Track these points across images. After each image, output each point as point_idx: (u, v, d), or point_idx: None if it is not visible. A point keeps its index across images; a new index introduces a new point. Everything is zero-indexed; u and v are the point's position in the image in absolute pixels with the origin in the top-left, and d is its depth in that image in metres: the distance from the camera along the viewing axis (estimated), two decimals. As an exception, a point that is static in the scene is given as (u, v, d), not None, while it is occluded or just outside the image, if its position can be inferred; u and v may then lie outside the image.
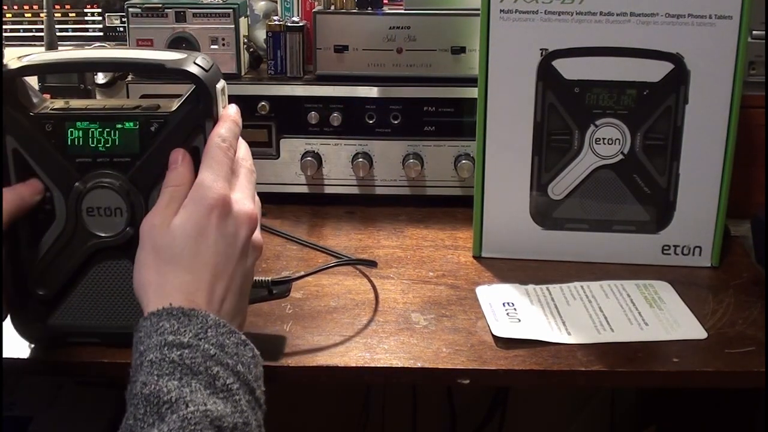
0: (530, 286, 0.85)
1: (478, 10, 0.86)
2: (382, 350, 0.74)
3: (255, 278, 0.71)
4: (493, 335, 0.76)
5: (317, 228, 1.00)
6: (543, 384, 0.82)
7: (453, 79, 1.01)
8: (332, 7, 1.01)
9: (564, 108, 0.88)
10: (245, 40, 1.05)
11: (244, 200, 0.66)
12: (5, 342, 0.71)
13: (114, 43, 1.17)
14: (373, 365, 0.72)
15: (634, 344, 0.76)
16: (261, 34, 1.07)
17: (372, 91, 1.02)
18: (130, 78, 1.03)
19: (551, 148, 0.89)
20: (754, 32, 0.96)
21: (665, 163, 0.89)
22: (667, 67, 0.86)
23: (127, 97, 1.03)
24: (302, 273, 0.78)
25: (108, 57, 0.75)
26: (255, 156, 1.02)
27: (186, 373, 0.57)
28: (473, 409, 1.47)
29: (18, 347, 0.72)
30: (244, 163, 0.69)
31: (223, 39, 1.02)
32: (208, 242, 0.63)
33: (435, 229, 1.00)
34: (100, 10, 1.18)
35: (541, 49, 0.86)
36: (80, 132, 0.69)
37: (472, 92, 0.93)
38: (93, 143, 0.69)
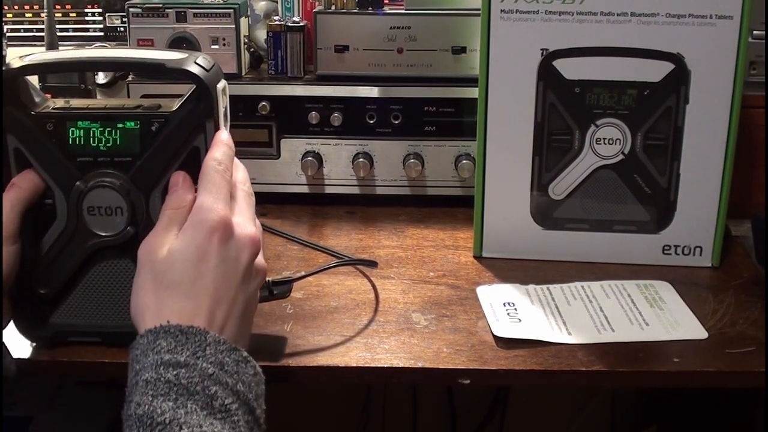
0: (531, 286, 0.85)
1: (479, 10, 0.86)
2: (382, 350, 0.74)
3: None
4: (493, 335, 0.76)
5: (318, 228, 1.00)
6: (543, 384, 0.82)
7: (453, 79, 1.01)
8: (333, 7, 1.01)
9: (564, 108, 0.88)
10: (246, 40, 1.05)
11: (246, 223, 0.65)
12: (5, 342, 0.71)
13: (114, 43, 1.17)
14: (373, 365, 0.72)
15: (634, 344, 0.76)
16: (261, 34, 1.07)
17: (372, 91, 1.02)
18: (130, 78, 1.03)
19: (552, 148, 0.89)
20: (754, 32, 0.97)
21: (666, 163, 0.89)
22: (667, 67, 0.86)
23: (128, 97, 1.03)
24: (303, 273, 0.78)
25: (109, 56, 0.75)
26: (255, 156, 1.03)
27: (182, 394, 0.56)
28: (474, 409, 1.47)
29: (19, 347, 0.72)
30: (242, 186, 0.68)
31: (224, 39, 1.02)
32: (208, 266, 0.62)
33: (435, 229, 1.00)
34: (100, 10, 1.18)
35: (541, 49, 0.86)
36: (81, 131, 0.69)
37: (473, 92, 0.93)
38: (94, 142, 0.69)
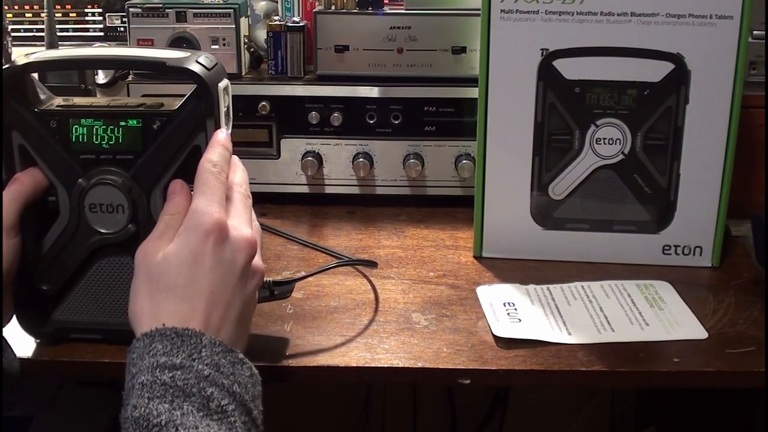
0: (531, 286, 0.85)
1: (479, 10, 0.86)
2: (382, 350, 0.74)
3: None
4: (493, 335, 0.76)
5: (318, 228, 1.00)
6: (543, 384, 0.82)
7: (453, 79, 1.01)
8: (333, 7, 1.01)
9: (564, 108, 0.88)
10: (246, 40, 1.05)
11: (241, 226, 0.64)
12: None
13: (114, 43, 1.17)
14: (373, 365, 0.72)
15: (634, 344, 0.76)
16: (261, 34, 1.07)
17: (373, 91, 1.02)
18: (130, 78, 1.03)
19: (552, 148, 0.89)
20: (754, 32, 0.97)
21: (666, 163, 0.89)
22: (667, 67, 0.86)
23: (128, 96, 1.03)
24: (303, 274, 0.78)
25: (112, 55, 0.75)
26: (255, 156, 1.04)
27: (177, 396, 0.56)
28: (474, 409, 1.47)
29: (19, 347, 0.72)
30: (238, 188, 0.67)
31: (224, 39, 1.02)
32: (203, 269, 0.61)
33: (435, 229, 1.00)
34: (100, 10, 1.18)
35: (541, 49, 0.86)
36: (84, 129, 0.69)
37: (473, 92, 0.93)
38: (97, 140, 0.69)
